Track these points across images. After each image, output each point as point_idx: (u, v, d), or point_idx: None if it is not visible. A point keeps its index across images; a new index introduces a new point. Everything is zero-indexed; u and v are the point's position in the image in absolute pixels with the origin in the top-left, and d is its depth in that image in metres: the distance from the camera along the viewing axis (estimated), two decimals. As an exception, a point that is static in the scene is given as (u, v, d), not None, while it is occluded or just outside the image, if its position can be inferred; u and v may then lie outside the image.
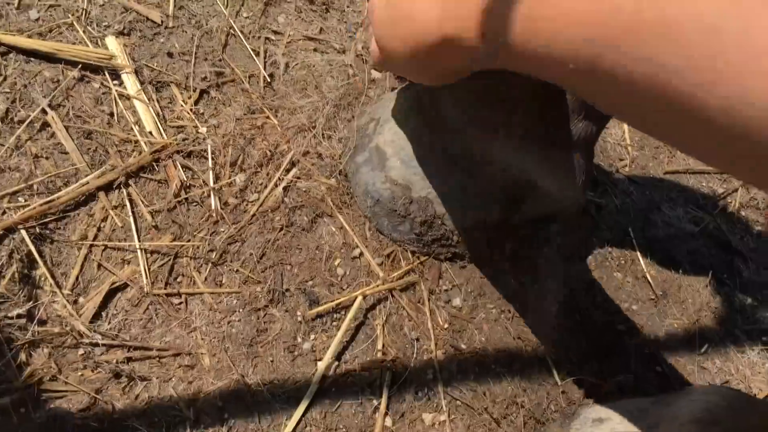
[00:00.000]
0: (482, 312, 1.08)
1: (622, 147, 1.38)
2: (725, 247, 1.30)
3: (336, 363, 0.96)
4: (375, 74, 1.24)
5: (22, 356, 0.84)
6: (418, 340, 1.02)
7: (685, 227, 1.29)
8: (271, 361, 0.94)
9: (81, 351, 0.87)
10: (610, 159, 1.34)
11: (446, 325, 1.05)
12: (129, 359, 0.88)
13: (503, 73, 0.72)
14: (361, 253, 1.06)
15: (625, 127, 1.41)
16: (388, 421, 0.95)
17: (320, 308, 0.99)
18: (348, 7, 1.30)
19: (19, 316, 0.86)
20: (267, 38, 1.20)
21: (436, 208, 1.04)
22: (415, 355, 1.01)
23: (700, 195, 1.37)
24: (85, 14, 1.09)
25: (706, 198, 1.37)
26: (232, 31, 1.18)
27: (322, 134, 1.13)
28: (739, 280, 1.27)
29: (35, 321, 0.86)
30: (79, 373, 0.86)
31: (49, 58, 1.03)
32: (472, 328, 1.06)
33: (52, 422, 0.82)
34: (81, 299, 0.91)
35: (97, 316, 0.90)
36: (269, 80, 1.16)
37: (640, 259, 1.24)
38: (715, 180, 1.41)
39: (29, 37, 1.03)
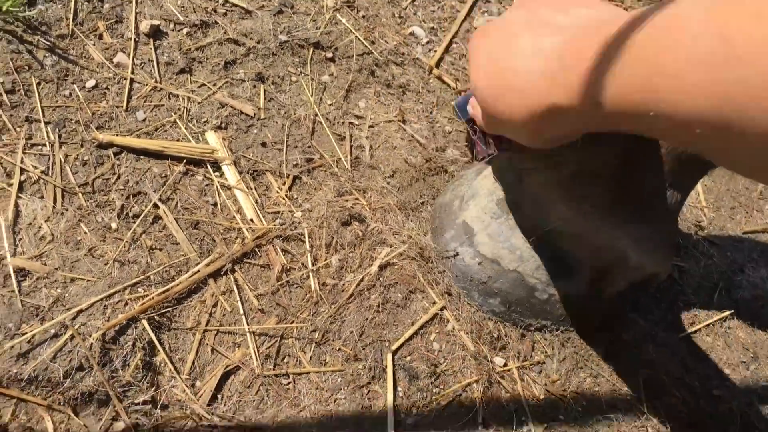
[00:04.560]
0: (576, 381, 1.09)
1: (699, 209, 1.40)
2: (813, 305, 1.29)
3: (440, 438, 0.99)
4: (452, 153, 1.29)
5: (149, 441, 0.89)
6: (516, 411, 1.04)
7: (769, 287, 1.29)
8: (377, 438, 0.97)
9: (201, 433, 0.92)
10: (687, 222, 1.36)
11: (542, 396, 1.07)
12: (245, 440, 0.93)
13: (590, 140, 0.76)
14: (454, 328, 1.09)
15: (700, 188, 1.43)
16: (495, 496, 0.96)
17: (420, 383, 1.02)
18: (423, 88, 1.37)
19: (144, 402, 0.91)
20: (350, 123, 1.27)
21: (526, 281, 1.07)
22: (514, 427, 1.03)
23: (782, 253, 1.37)
24: (186, 112, 1.18)
25: (787, 256, 1.37)
26: (318, 118, 1.25)
27: (410, 213, 1.18)
28: (831, 339, 1.26)
29: (158, 406, 0.92)
30: (200, 456, 0.91)
31: (156, 155, 1.11)
32: (567, 398, 1.08)
33: (179, 505, 0.86)
34: (198, 383, 0.96)
35: (213, 399, 0.95)
36: (355, 163, 1.22)
37: (728, 321, 1.24)
38: (794, 237, 1.41)
39: (138, 137, 1.12)
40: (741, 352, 1.21)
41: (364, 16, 1.43)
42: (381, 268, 1.10)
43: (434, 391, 1.03)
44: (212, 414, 0.93)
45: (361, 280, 1.08)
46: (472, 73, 0.79)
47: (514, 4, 0.79)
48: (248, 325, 1.01)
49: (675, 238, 1.10)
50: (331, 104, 1.28)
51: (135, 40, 1.22)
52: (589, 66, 0.59)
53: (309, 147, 1.21)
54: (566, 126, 0.68)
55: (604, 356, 1.13)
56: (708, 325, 1.23)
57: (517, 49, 0.69)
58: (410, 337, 1.06)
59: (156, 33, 1.25)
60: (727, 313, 1.24)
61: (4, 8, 1.12)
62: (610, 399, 1.09)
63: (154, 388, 0.93)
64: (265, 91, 1.25)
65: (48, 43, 1.16)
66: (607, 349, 1.13)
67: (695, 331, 1.21)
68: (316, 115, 1.25)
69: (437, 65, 1.42)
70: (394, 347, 1.05)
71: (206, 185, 1.12)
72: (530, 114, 0.68)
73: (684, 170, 1.01)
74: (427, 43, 1.45)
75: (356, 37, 1.38)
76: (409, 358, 1.05)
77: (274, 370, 0.99)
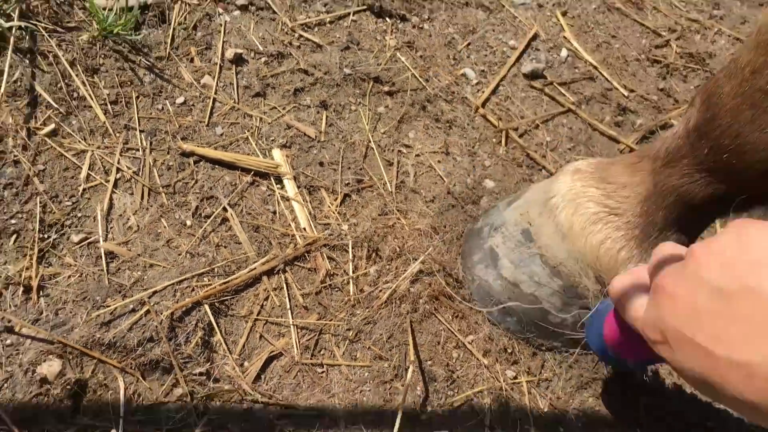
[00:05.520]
0: (579, 400, 1.21)
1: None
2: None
3: (449, 434, 1.13)
4: (488, 183, 1.44)
5: (201, 406, 1.06)
6: (520, 420, 1.17)
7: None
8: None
9: (245, 405, 1.08)
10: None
11: (546, 410, 1.19)
12: (281, 416, 1.08)
13: None
14: (473, 341, 1.23)
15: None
16: (493, 490, 1.09)
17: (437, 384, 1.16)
18: (468, 124, 1.52)
19: (200, 374, 1.08)
20: (399, 151, 1.43)
21: (542, 305, 1.20)
22: (517, 433, 1.16)
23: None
24: (258, 130, 1.36)
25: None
26: (371, 144, 1.42)
27: (443, 235, 1.32)
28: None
29: (212, 379, 1.08)
30: (241, 425, 1.07)
31: (229, 165, 1.29)
32: (570, 415, 1.20)
33: (221, 462, 1.02)
34: (246, 363, 1.12)
35: (257, 378, 1.11)
36: (400, 187, 1.38)
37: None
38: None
39: (215, 149, 1.30)
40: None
41: (421, 56, 1.59)
42: (413, 281, 1.25)
43: (449, 393, 1.17)
44: (255, 391, 1.09)
45: (395, 290, 1.23)
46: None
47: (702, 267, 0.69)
48: (293, 318, 1.17)
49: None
50: (383, 133, 1.45)
51: (220, 65, 1.41)
52: None
53: (360, 169, 1.38)
54: None
55: (608, 380, 1.24)
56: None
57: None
58: (432, 344, 1.21)
59: (238, 60, 1.44)
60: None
61: (115, 31, 1.32)
62: (610, 419, 1.21)
63: (209, 363, 1.10)
64: (327, 117, 1.42)
65: (148, 63, 1.36)
66: (612, 373, 1.25)
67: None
68: (370, 141, 1.42)
69: (483, 105, 1.56)
70: (418, 351, 1.19)
71: (268, 195, 1.29)
72: None
73: (692, 215, 1.13)
74: (477, 84, 1.60)
75: (412, 74, 1.55)
76: (429, 362, 1.19)
77: (311, 359, 1.15)
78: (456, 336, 1.23)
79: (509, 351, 1.23)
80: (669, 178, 1.11)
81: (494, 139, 1.52)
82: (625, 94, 1.71)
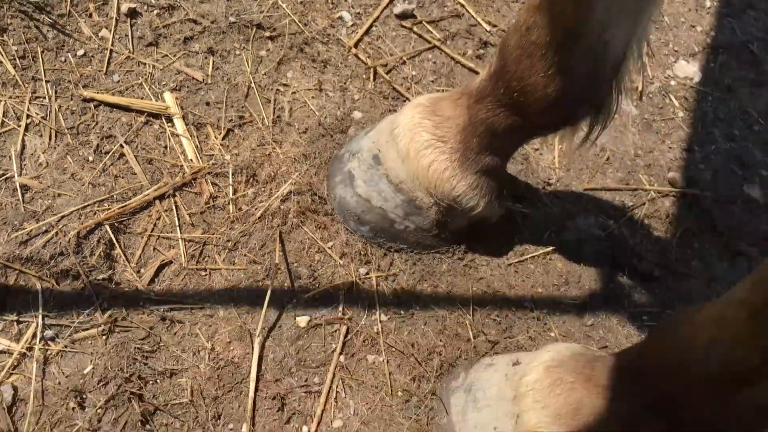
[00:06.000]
0: (420, 289, 1.52)
1: (551, 169, 1.79)
2: (625, 248, 1.68)
3: (308, 318, 1.42)
4: (356, 115, 1.69)
5: (105, 304, 1.34)
6: (369, 305, 1.47)
7: (593, 232, 1.68)
8: (264, 316, 1.41)
9: (141, 302, 1.36)
10: (539, 178, 1.75)
11: (391, 297, 1.49)
12: (171, 309, 1.37)
13: None
14: (332, 246, 1.51)
15: (556, 152, 1.81)
16: (342, 359, 1.40)
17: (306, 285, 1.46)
18: (341, 63, 1.76)
19: (104, 279, 1.36)
20: (278, 89, 1.68)
21: (388, 215, 1.49)
22: (365, 315, 1.46)
23: (611, 207, 1.75)
24: (151, 77, 1.59)
25: (616, 210, 1.75)
26: (252, 85, 1.66)
27: (313, 161, 1.59)
28: (632, 274, 1.65)
29: (113, 283, 1.36)
30: (139, 317, 1.35)
31: (125, 108, 1.53)
32: (410, 300, 1.50)
33: (122, 345, 1.31)
34: (142, 270, 1.40)
35: (152, 281, 1.39)
36: (277, 121, 1.63)
37: (551, 255, 1.64)
38: (626, 195, 1.79)
39: (113, 94, 1.54)
40: (556, 277, 1.61)
41: (301, 2, 1.81)
42: (283, 200, 1.52)
43: (310, 288, 1.46)
44: (150, 291, 1.38)
45: (268, 207, 1.50)
46: None
47: None
48: (181, 234, 1.45)
49: (500, 190, 1.49)
50: (264, 74, 1.69)
51: (116, 19, 1.63)
52: None
53: (242, 107, 1.62)
54: None
55: (445, 273, 1.54)
56: (534, 256, 1.63)
57: None
58: (298, 250, 1.49)
59: (133, 13, 1.65)
60: (550, 248, 1.64)
61: (19, -7, 1.53)
62: (443, 302, 1.51)
63: (111, 271, 1.37)
64: (213, 62, 1.66)
65: (51, 20, 1.57)
66: (448, 267, 1.55)
67: (523, 261, 1.62)
68: (251, 82, 1.66)
69: (356, 45, 1.80)
70: (286, 256, 1.48)
71: (161, 132, 1.54)
72: None
73: (499, 141, 1.40)
74: (352, 25, 1.83)
75: (292, 19, 1.77)
76: (295, 264, 1.48)
77: (196, 265, 1.43)
78: (318, 243, 1.51)
79: (363, 253, 1.52)
80: (479, 112, 1.37)
81: (364, 76, 1.77)
82: (488, 29, 1.95)
